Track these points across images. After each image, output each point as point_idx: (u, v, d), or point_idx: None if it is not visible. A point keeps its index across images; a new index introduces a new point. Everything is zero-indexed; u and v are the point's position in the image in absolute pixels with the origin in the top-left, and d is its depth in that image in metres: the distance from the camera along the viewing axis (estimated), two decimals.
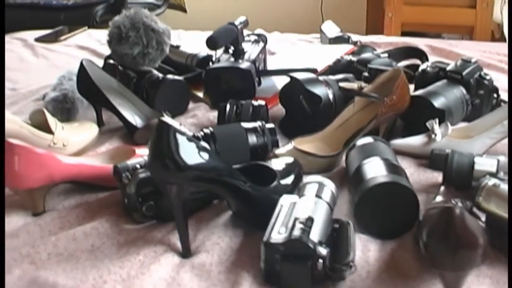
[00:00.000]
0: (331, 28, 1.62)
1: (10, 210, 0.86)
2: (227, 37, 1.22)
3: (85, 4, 2.52)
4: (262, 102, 1.09)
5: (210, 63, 1.31)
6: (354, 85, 1.10)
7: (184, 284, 0.70)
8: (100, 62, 1.29)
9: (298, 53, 1.52)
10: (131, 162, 0.86)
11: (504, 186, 0.75)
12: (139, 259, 0.74)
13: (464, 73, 1.10)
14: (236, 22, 1.24)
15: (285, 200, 0.77)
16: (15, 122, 0.99)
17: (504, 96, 1.18)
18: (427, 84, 1.12)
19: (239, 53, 1.24)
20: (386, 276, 0.71)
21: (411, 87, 1.16)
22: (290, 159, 0.91)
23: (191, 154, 0.72)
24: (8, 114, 1.00)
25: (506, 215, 0.73)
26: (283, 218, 0.72)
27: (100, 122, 1.15)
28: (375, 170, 0.82)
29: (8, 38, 1.78)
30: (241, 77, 1.20)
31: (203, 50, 1.34)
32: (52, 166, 0.86)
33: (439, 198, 0.83)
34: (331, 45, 1.53)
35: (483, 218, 0.76)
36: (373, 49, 1.40)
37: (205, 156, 0.74)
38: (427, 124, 1.00)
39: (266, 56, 1.38)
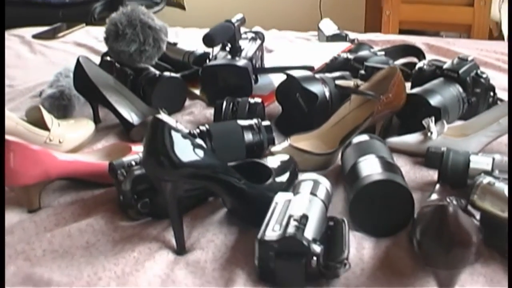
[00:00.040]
0: (328, 26, 1.61)
1: (6, 207, 0.86)
2: (224, 35, 1.22)
3: (83, 1, 2.51)
4: (259, 100, 1.09)
5: (207, 61, 1.31)
6: (350, 83, 1.10)
7: (179, 281, 0.70)
8: (97, 59, 1.29)
9: (295, 51, 1.52)
10: (126, 159, 0.86)
11: (499, 185, 0.75)
12: (134, 256, 0.74)
13: (460, 71, 1.10)
14: (233, 20, 1.24)
15: (280, 198, 0.77)
16: (11, 118, 0.99)
17: (501, 94, 1.18)
18: (424, 82, 1.12)
19: (236, 51, 1.24)
20: (380, 274, 0.72)
21: (408, 85, 1.16)
22: (285, 157, 0.91)
23: (186, 151, 0.72)
24: (4, 111, 1.00)
25: (500, 213, 0.73)
26: (278, 216, 0.73)
27: (96, 119, 1.15)
28: (370, 167, 0.82)
29: (6, 34, 1.77)
30: (238, 75, 1.19)
31: (200, 48, 1.34)
32: (48, 163, 0.86)
33: (434, 196, 0.83)
34: (328, 42, 1.53)
35: (478, 216, 0.76)
36: (370, 47, 1.40)
37: (200, 153, 0.74)
38: (423, 122, 1.00)
39: (263, 54, 1.37)
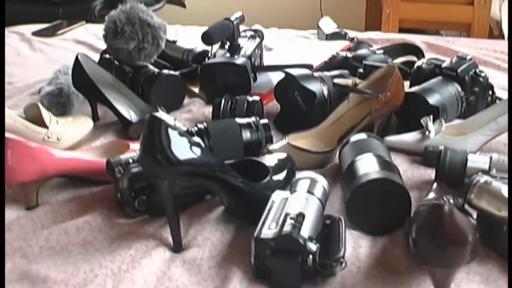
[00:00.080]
0: (328, 24, 1.61)
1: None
2: (223, 33, 1.22)
3: None
4: (257, 98, 1.09)
5: (206, 59, 1.31)
6: (349, 81, 1.10)
7: (175, 278, 0.70)
8: (97, 57, 1.29)
9: (294, 49, 1.52)
10: (124, 156, 0.86)
11: (496, 184, 0.75)
12: (130, 254, 0.74)
13: (459, 70, 1.10)
14: (232, 18, 1.24)
15: (277, 196, 0.77)
16: (9, 116, 0.99)
17: (499, 93, 1.18)
18: (423, 81, 1.12)
19: (235, 49, 1.24)
20: (377, 272, 0.72)
21: (407, 84, 1.16)
22: (283, 155, 0.91)
23: (183, 149, 0.72)
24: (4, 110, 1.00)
25: (497, 212, 0.73)
26: (274, 214, 0.73)
27: (95, 117, 1.15)
28: (367, 166, 0.82)
29: (5, 32, 1.77)
30: (237, 73, 1.19)
31: (199, 46, 1.33)
32: (45, 160, 0.86)
33: (431, 195, 0.83)
34: (328, 41, 1.53)
35: (475, 215, 0.76)
36: (369, 46, 1.39)
37: (197, 151, 0.74)
38: (421, 121, 1.00)
39: (263, 52, 1.37)
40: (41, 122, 1.01)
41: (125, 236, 0.79)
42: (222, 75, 1.20)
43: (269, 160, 0.88)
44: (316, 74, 1.12)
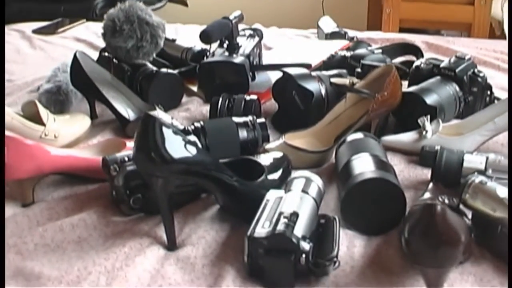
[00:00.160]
0: (328, 24, 1.61)
1: None
2: (221, 31, 1.22)
3: None
4: (254, 97, 1.09)
5: (205, 57, 1.31)
6: (346, 80, 1.10)
7: (168, 276, 0.71)
8: (97, 55, 1.29)
9: (294, 48, 1.52)
10: (120, 154, 0.86)
11: (491, 184, 0.75)
12: (125, 251, 0.74)
13: (457, 70, 1.10)
14: (231, 17, 1.24)
15: (272, 195, 0.77)
16: (7, 113, 0.99)
17: (499, 93, 1.18)
18: (421, 81, 1.12)
19: (233, 48, 1.24)
20: (370, 272, 0.72)
21: (406, 83, 1.16)
22: (279, 154, 0.91)
23: (177, 148, 0.72)
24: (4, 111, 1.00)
25: (491, 212, 0.72)
26: (268, 213, 0.73)
27: (93, 115, 1.16)
28: (363, 166, 0.82)
29: (6, 29, 1.78)
30: (235, 72, 1.19)
31: (199, 44, 1.33)
32: (41, 158, 0.86)
33: (427, 195, 0.83)
34: (327, 40, 1.53)
35: (470, 215, 0.76)
36: (368, 45, 1.39)
37: (191, 149, 0.74)
38: (419, 120, 1.00)
39: (261, 51, 1.37)
40: (38, 120, 1.02)
41: (120, 234, 0.79)
42: (220, 74, 1.20)
43: (265, 159, 0.88)
44: (314, 73, 1.12)
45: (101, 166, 0.86)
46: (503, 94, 1.19)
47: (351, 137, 0.92)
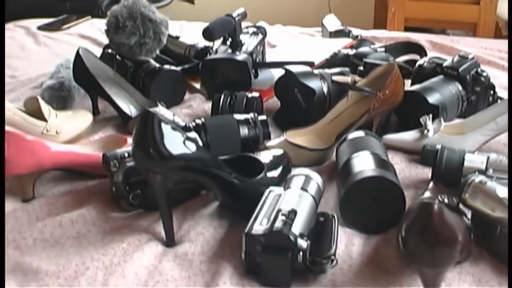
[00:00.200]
0: (332, 22, 1.61)
1: None
2: (224, 29, 1.22)
3: None
4: (256, 94, 1.09)
5: (208, 55, 1.31)
6: (348, 79, 1.10)
7: (165, 272, 0.71)
8: (101, 51, 1.29)
9: (298, 46, 1.52)
10: (120, 150, 0.86)
11: (491, 184, 0.74)
12: (123, 247, 0.75)
13: (460, 69, 1.10)
14: (234, 14, 1.24)
15: (271, 192, 0.77)
16: (8, 109, 1.00)
17: (503, 93, 1.17)
18: (424, 80, 1.11)
19: (236, 45, 1.24)
20: (367, 271, 0.71)
21: (409, 82, 1.15)
22: (279, 152, 0.90)
23: (176, 144, 0.72)
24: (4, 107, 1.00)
25: (491, 212, 0.72)
26: (267, 210, 0.73)
27: (95, 111, 1.16)
28: (363, 164, 0.82)
29: (11, 26, 1.79)
30: (237, 69, 1.19)
31: (202, 42, 1.33)
32: (41, 153, 0.86)
33: (427, 194, 0.83)
34: (331, 38, 1.53)
35: (469, 215, 0.76)
36: (372, 44, 1.39)
37: (190, 146, 0.74)
38: (421, 119, 1.00)
39: (265, 49, 1.37)
40: (40, 116, 1.02)
41: (119, 230, 0.79)
42: (223, 71, 1.21)
43: (265, 156, 0.87)
44: (316, 71, 1.11)
45: (101, 162, 0.86)
46: (506, 94, 1.18)
47: (352, 135, 0.92)
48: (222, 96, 1.08)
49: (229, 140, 0.96)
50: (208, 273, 0.71)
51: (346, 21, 1.66)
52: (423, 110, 1.02)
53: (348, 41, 1.43)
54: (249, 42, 1.28)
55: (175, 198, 0.81)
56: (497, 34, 2.20)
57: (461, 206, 0.75)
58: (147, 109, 0.72)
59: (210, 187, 0.80)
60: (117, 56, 1.23)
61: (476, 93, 1.11)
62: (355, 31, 1.56)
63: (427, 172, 0.93)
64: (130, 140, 0.94)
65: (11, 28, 1.76)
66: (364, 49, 1.27)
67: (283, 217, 0.70)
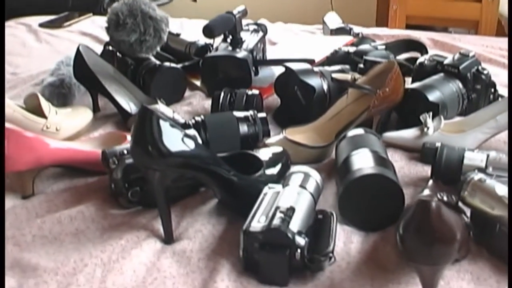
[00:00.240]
0: (333, 19, 1.61)
1: None
2: (224, 26, 1.21)
3: None
4: (256, 92, 1.09)
5: (208, 52, 1.31)
6: (348, 76, 1.10)
7: (163, 269, 0.71)
8: (102, 49, 1.29)
9: (298, 44, 1.52)
10: (119, 147, 0.86)
11: (490, 181, 0.74)
12: (121, 244, 0.75)
13: (461, 67, 1.09)
14: (234, 11, 1.24)
15: (269, 189, 0.77)
16: (8, 105, 1.00)
17: (503, 91, 1.17)
18: (425, 77, 1.11)
19: (236, 42, 1.24)
20: (365, 268, 0.71)
21: (409, 80, 1.15)
22: (278, 149, 0.90)
23: (174, 141, 0.72)
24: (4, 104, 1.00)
25: (490, 210, 0.72)
26: (265, 207, 0.73)
27: (95, 108, 1.16)
28: (362, 161, 0.82)
29: (12, 23, 1.79)
30: (237, 66, 1.19)
31: (203, 39, 1.33)
32: (40, 150, 0.86)
33: (426, 192, 0.82)
34: (332, 36, 1.52)
35: (469, 213, 0.76)
36: (372, 41, 1.39)
37: (189, 143, 0.74)
38: (421, 117, 0.99)
39: (265, 46, 1.37)
40: (40, 113, 1.02)
41: (117, 227, 0.79)
42: (223, 68, 1.20)
43: (264, 154, 0.87)
44: (316, 69, 1.11)
45: (101, 159, 0.86)
46: (507, 92, 1.18)
47: (351, 132, 0.92)
48: (222, 94, 1.08)
49: (228, 137, 0.96)
50: (206, 270, 0.71)
51: (348, 19, 1.65)
52: (423, 108, 1.02)
53: (348, 38, 1.43)
54: (249, 39, 1.28)
55: (174, 195, 0.81)
56: (499, 32, 2.19)
57: (460, 204, 0.75)
58: (145, 106, 0.72)
59: (208, 184, 0.80)
60: (118, 53, 1.23)
61: (476, 91, 1.10)
62: (356, 29, 1.56)
63: (426, 170, 0.93)
64: (129, 137, 0.95)
65: (12, 25, 1.76)
66: (364, 46, 1.27)
67: (281, 215, 0.70)
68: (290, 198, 0.74)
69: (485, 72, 1.11)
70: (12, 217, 0.82)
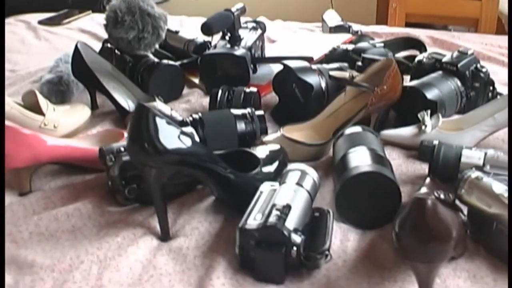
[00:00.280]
0: (332, 17, 1.60)
1: None
2: (222, 23, 1.21)
3: None
4: (254, 89, 1.09)
5: (207, 49, 1.30)
6: (346, 74, 1.10)
7: (159, 267, 0.71)
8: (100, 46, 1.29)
9: (297, 41, 1.51)
10: (116, 145, 0.86)
11: (487, 179, 0.74)
12: (118, 241, 0.75)
13: (459, 65, 1.09)
14: (233, 9, 1.24)
15: (266, 187, 0.77)
16: (6, 103, 1.00)
17: (502, 89, 1.17)
18: (423, 75, 1.11)
19: (235, 40, 1.24)
20: (362, 266, 0.71)
21: (408, 78, 1.15)
22: (276, 147, 0.90)
23: (171, 138, 0.72)
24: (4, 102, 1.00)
25: (487, 208, 0.72)
26: (261, 205, 0.72)
27: (93, 105, 1.16)
28: (359, 159, 0.81)
29: (12, 20, 1.79)
30: (236, 64, 1.19)
31: (201, 36, 1.33)
32: (38, 147, 0.86)
33: (423, 190, 0.82)
34: (331, 34, 1.52)
35: (466, 211, 0.76)
36: (371, 39, 1.38)
37: (185, 140, 0.74)
38: (418, 115, 0.99)
39: (264, 44, 1.37)
40: (38, 110, 1.02)
41: (114, 224, 0.79)
42: (221, 65, 1.20)
43: (261, 151, 0.87)
44: (314, 66, 1.11)
45: (98, 156, 0.86)
46: (506, 90, 1.17)
47: (349, 130, 0.92)
48: (220, 91, 1.08)
49: (226, 135, 0.96)
50: (202, 267, 0.71)
51: (347, 17, 1.65)
52: (421, 105, 1.02)
53: (347, 36, 1.43)
54: (248, 37, 1.28)
55: (171, 192, 0.81)
56: (499, 30, 2.19)
57: (457, 202, 0.75)
58: (141, 104, 0.72)
59: (205, 182, 0.80)
60: (116, 51, 1.23)
61: (475, 89, 1.10)
62: (356, 27, 1.56)
63: (424, 168, 0.93)
64: (126, 134, 0.94)
65: (12, 23, 1.76)
66: (363, 44, 1.26)
67: (277, 212, 0.70)
68: (287, 195, 0.74)
69: (483, 70, 1.11)
70: (9, 214, 0.82)
